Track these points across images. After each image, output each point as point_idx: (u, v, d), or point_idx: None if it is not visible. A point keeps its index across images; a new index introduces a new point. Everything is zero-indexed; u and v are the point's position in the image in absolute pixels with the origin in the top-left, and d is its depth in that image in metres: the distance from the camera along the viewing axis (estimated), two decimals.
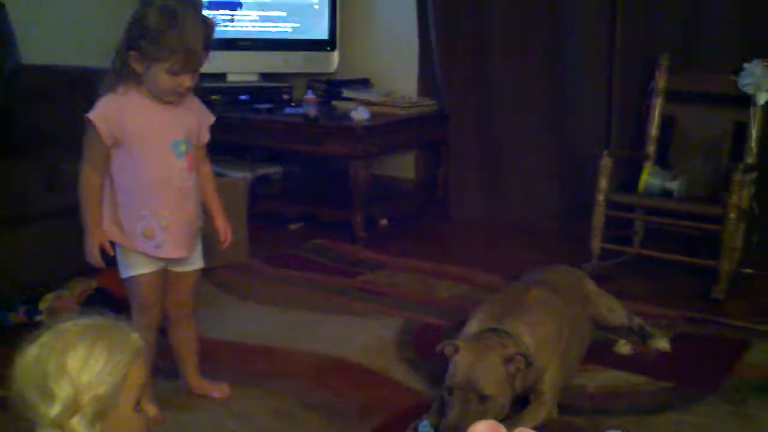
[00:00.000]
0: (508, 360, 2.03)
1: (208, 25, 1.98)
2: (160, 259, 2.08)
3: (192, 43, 1.92)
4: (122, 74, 1.97)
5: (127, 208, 2.02)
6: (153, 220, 2.02)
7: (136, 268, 2.07)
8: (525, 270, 2.73)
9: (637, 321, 2.69)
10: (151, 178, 2.01)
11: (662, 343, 2.65)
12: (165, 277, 2.13)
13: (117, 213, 2.03)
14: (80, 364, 1.21)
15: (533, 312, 2.26)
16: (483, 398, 1.97)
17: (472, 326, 2.24)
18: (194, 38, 1.92)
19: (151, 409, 1.31)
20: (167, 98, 2.00)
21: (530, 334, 2.17)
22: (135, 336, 1.29)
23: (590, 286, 2.63)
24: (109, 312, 1.34)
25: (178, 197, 2.05)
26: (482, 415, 1.93)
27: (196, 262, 2.19)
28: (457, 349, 2.06)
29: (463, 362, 2.02)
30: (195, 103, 2.12)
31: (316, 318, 2.88)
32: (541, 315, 2.27)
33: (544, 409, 2.13)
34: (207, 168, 2.20)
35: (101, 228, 2.02)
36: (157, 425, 1.37)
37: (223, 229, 2.22)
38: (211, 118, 2.17)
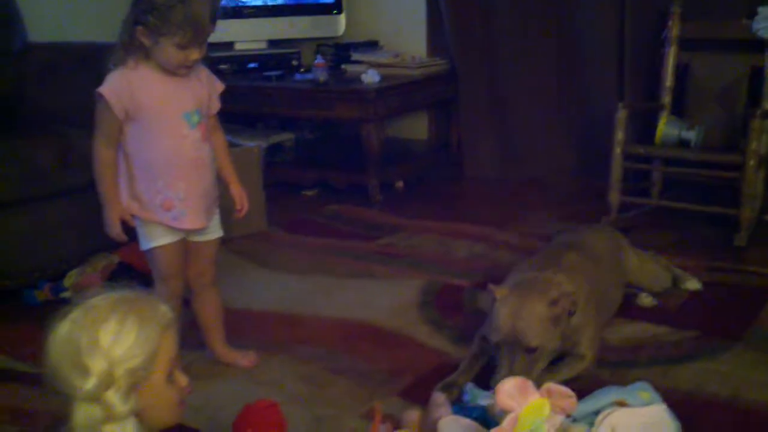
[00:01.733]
0: (553, 302, 2.02)
1: None
2: (179, 229, 2.09)
3: (199, 17, 1.91)
4: (130, 48, 1.96)
5: (143, 180, 2.03)
6: (170, 191, 2.03)
7: (156, 239, 2.08)
8: (564, 230, 2.73)
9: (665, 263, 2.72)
10: (165, 150, 2.01)
11: (693, 284, 2.69)
12: (185, 247, 2.14)
13: (134, 186, 2.04)
14: (112, 338, 1.22)
15: (571, 271, 2.25)
16: (530, 349, 1.98)
17: (511, 280, 2.23)
18: (201, 12, 1.91)
19: (183, 380, 1.33)
20: (176, 71, 1.99)
21: (572, 284, 2.16)
22: (164, 308, 1.30)
23: (631, 257, 2.61)
24: (137, 285, 1.35)
25: (193, 168, 2.06)
26: (531, 365, 1.95)
27: (215, 231, 2.20)
28: (494, 298, 2.05)
29: (505, 313, 2.01)
30: (204, 73, 2.11)
31: (337, 283, 2.89)
32: (577, 276, 2.25)
33: (581, 363, 2.14)
34: (219, 137, 2.20)
35: (119, 201, 2.03)
36: (187, 395, 1.38)
37: (239, 197, 2.22)
38: (221, 87, 2.17)
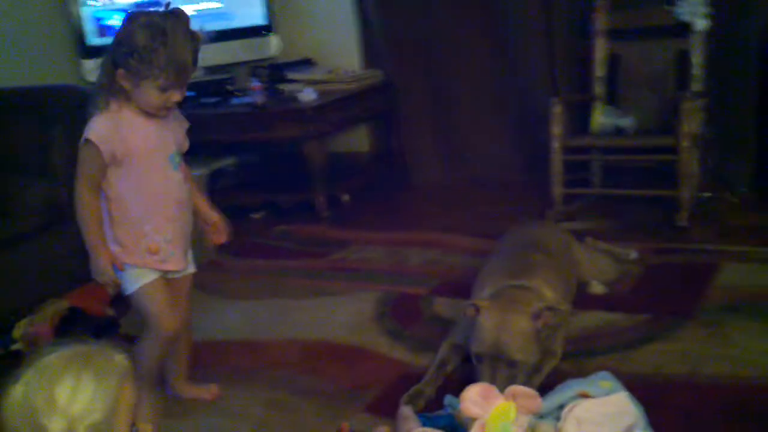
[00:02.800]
0: (536, 315, 2.03)
1: (196, 38, 1.92)
2: (161, 270, 2.06)
3: (182, 59, 1.88)
4: (111, 91, 1.92)
5: (127, 225, 1.99)
6: (157, 234, 2.00)
7: (141, 278, 2.03)
8: (510, 229, 2.75)
9: (604, 247, 2.82)
10: (154, 193, 1.99)
11: (632, 254, 2.83)
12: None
13: (116, 231, 2.00)
14: (69, 396, 1.19)
15: (544, 271, 2.28)
16: (512, 363, 1.99)
17: (488, 288, 2.23)
18: (184, 54, 1.88)
19: (147, 429, 1.30)
20: (156, 113, 1.96)
21: (549, 288, 2.20)
22: (119, 358, 1.27)
23: (578, 251, 2.66)
24: (87, 334, 1.32)
25: (178, 209, 2.04)
26: (512, 380, 1.95)
27: (190, 267, 2.17)
28: (478, 310, 2.07)
29: (488, 326, 2.02)
30: (175, 113, 2.07)
31: (293, 304, 2.87)
32: (550, 274, 2.29)
33: (554, 359, 2.16)
34: (187, 170, 2.15)
35: (108, 246, 1.98)
36: None
37: (220, 219, 2.19)
38: (187, 124, 2.13)
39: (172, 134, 2.04)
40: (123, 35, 1.88)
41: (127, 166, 1.95)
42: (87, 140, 1.91)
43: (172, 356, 2.23)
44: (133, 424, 1.27)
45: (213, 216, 2.20)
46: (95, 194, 1.96)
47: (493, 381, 1.91)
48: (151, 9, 1.91)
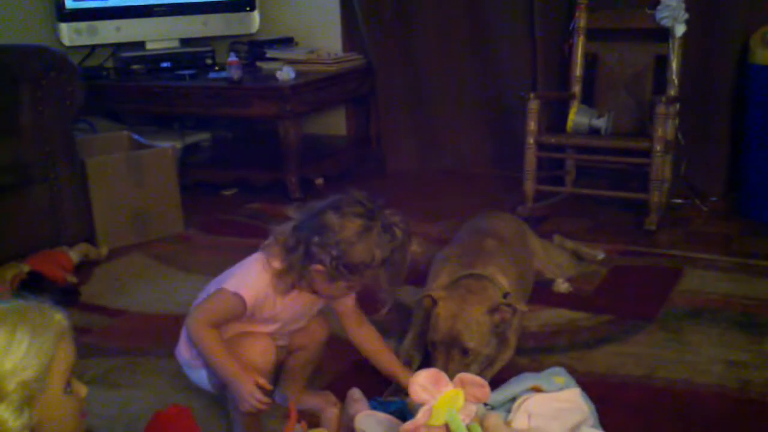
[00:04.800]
0: (493, 310, 2.03)
1: (409, 239, 1.79)
2: None
3: (391, 272, 1.75)
4: (293, 271, 1.76)
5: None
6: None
7: None
8: (468, 218, 2.74)
9: (571, 246, 2.84)
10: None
11: (599, 256, 2.84)
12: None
13: None
14: (1, 351, 1.17)
15: (497, 257, 2.27)
16: (465, 351, 1.99)
17: (443, 277, 2.22)
18: (396, 265, 1.75)
19: (82, 390, 1.28)
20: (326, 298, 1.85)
21: (503, 275, 2.19)
22: (58, 316, 1.25)
23: (535, 242, 2.66)
24: (36, 296, 1.29)
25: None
26: (466, 368, 1.95)
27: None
28: (435, 302, 2.06)
29: (444, 315, 2.02)
30: None
31: None
32: (504, 261, 2.28)
33: (508, 350, 2.17)
34: (369, 329, 2.01)
35: (245, 370, 1.73)
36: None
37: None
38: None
39: (313, 310, 1.91)
40: (337, 236, 1.69)
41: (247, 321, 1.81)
42: (238, 295, 1.75)
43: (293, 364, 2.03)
44: (68, 384, 1.25)
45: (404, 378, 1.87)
46: (214, 329, 1.78)
47: (446, 369, 1.91)
48: (372, 210, 1.74)
